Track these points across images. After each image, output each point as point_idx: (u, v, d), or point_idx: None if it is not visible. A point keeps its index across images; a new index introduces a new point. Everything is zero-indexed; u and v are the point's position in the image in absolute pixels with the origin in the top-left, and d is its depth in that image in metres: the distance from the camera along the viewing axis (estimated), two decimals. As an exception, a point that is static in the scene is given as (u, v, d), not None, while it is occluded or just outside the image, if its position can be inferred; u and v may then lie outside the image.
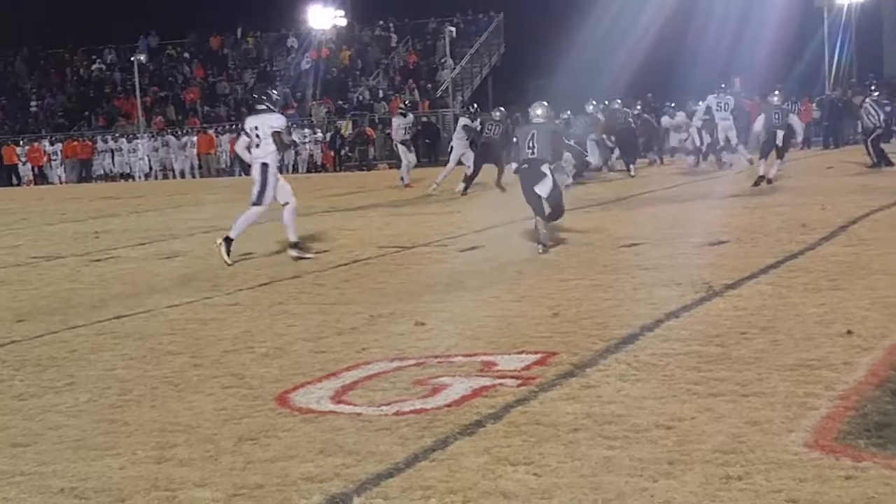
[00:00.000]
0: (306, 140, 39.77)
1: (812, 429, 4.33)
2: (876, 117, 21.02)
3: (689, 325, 6.67)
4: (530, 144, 11.37)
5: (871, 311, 6.66)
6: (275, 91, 11.71)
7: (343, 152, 40.51)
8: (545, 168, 11.23)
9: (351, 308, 8.12)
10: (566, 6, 39.05)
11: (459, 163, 21.54)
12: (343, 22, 48.16)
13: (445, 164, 23.13)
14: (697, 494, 3.75)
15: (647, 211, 14.87)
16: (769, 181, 17.59)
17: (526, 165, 11.34)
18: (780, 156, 18.19)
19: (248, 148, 11.56)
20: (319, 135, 40.91)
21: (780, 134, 17.74)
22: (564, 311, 7.43)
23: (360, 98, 43.80)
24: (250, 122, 11.62)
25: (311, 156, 40.29)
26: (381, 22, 48.13)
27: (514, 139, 11.86)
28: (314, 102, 44.45)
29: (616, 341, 6.29)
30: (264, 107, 11.71)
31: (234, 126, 40.95)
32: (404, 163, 24.86)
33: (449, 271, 9.98)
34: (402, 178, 24.42)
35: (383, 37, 47.75)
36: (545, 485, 3.97)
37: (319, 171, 38.88)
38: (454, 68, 44.04)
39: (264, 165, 11.32)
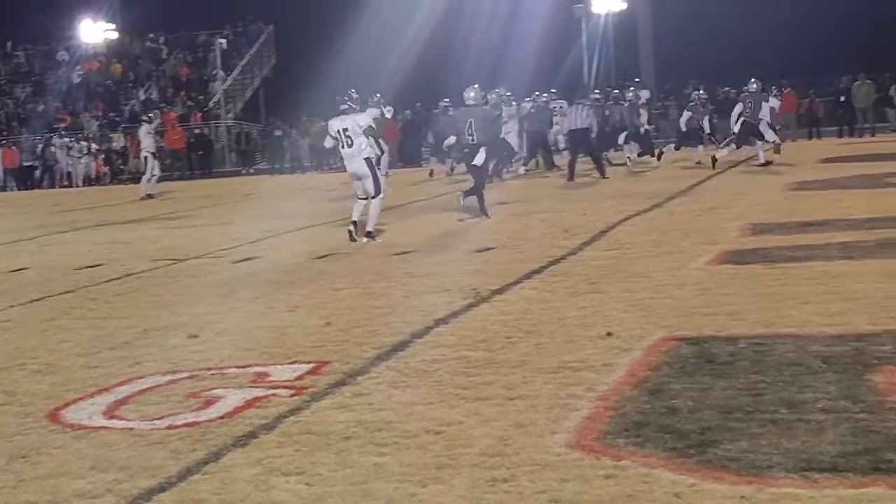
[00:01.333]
0: (82, 154, 38.73)
1: (574, 430, 4.48)
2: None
3: (458, 330, 6.80)
4: (470, 131, 13.38)
5: (630, 312, 6.96)
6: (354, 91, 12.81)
7: (117, 164, 39.70)
8: (482, 150, 13.50)
9: (124, 322, 7.95)
10: (335, 16, 39.21)
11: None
12: (114, 35, 47.57)
13: (219, 175, 22.93)
14: (465, 498, 3.82)
15: (418, 219, 15.06)
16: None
17: (467, 150, 13.59)
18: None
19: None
20: (94, 146, 39.68)
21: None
22: (337, 320, 7.45)
23: (133, 110, 42.74)
24: (336, 125, 12.41)
25: (85, 168, 39.06)
26: (152, 35, 47.58)
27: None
28: (86, 115, 43.24)
29: (387, 349, 6.36)
30: (347, 106, 12.46)
31: (2, 141, 40.10)
32: (149, 175, 24.50)
33: (223, 283, 9.88)
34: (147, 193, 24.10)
35: (154, 49, 47.27)
36: (316, 494, 3.97)
37: (93, 185, 37.81)
38: (226, 80, 43.76)
39: (368, 160, 12.37)
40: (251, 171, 38.37)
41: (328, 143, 12.99)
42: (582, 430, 4.47)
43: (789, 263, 8.41)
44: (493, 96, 22.66)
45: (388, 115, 23.05)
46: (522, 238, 11.63)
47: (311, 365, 6.07)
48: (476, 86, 14.51)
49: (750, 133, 20.35)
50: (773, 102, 22.11)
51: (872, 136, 30.46)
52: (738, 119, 20.44)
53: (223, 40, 43.54)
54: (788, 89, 31.25)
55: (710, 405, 4.67)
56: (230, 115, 42.72)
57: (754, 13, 50.14)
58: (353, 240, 12.14)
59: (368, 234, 12.24)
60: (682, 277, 8.17)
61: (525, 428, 4.56)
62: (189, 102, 43.25)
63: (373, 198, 12.39)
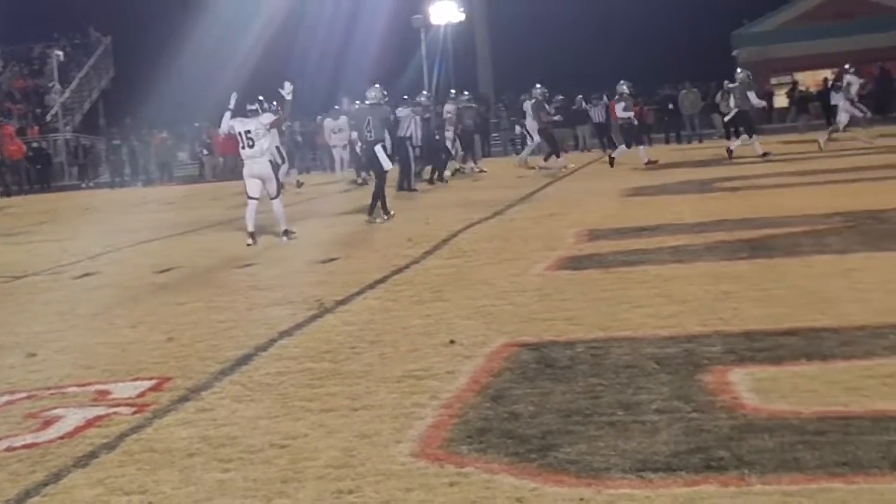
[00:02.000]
0: None
1: (418, 438, 4.53)
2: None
3: (302, 342, 6.78)
4: (368, 128, 14.22)
5: (472, 319, 7.07)
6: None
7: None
8: (378, 148, 14.21)
9: (-44, 343, 7.62)
10: (173, 27, 38.50)
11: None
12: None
13: (58, 189, 22.15)
14: (311, 511, 3.82)
15: (261, 231, 14.88)
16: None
17: (365, 147, 14.45)
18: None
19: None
20: None
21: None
22: (180, 335, 7.33)
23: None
24: (239, 126, 12.87)
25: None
26: (-15, 46, 45.55)
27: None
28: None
29: (231, 363, 6.29)
30: (255, 107, 12.99)
31: None
32: None
33: (62, 299, 9.60)
34: None
35: (-12, 61, 45.26)
36: (158, 515, 3.91)
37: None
38: (63, 92, 42.37)
39: (271, 162, 13.19)
40: (91, 184, 37.24)
41: (223, 127, 13.55)
42: (426, 439, 4.52)
43: (624, 268, 8.69)
44: (423, 98, 22.89)
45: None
46: (366, 248, 11.66)
47: (154, 381, 5.97)
48: (377, 85, 15.44)
49: (747, 121, 21.53)
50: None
51: (700, 142, 31.67)
52: (730, 112, 22.08)
53: (60, 52, 42.18)
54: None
55: (551, 409, 4.79)
56: (68, 127, 41.41)
57: (585, 27, 51.57)
58: (290, 237, 12.90)
59: (286, 233, 12.97)
60: (522, 284, 8.33)
61: (370, 438, 4.59)
62: (26, 115, 41.72)
63: (273, 198, 13.07)
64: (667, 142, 32.60)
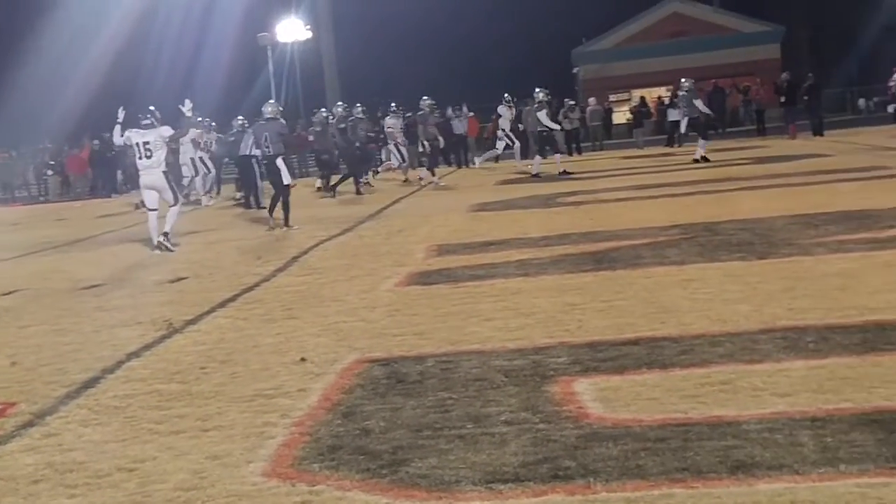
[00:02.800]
0: None
1: (270, 458, 4.51)
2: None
3: (151, 363, 6.66)
4: (266, 144, 14.95)
5: (323, 336, 7.07)
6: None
7: None
8: (279, 161, 14.90)
9: None
10: (12, 45, 37.26)
11: None
12: None
13: None
14: (160, 536, 3.76)
15: (106, 251, 14.53)
16: None
17: (266, 161, 15.12)
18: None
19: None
20: None
21: None
22: (23, 358, 7.12)
23: None
24: (136, 138, 13.28)
25: None
26: None
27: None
28: None
29: (77, 386, 6.14)
30: (150, 122, 13.40)
31: None
32: None
33: None
34: None
35: None
36: (-1, 547, 3.78)
37: None
38: None
39: (165, 173, 13.51)
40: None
41: (116, 140, 14.19)
42: (278, 458, 4.50)
43: (472, 282, 8.82)
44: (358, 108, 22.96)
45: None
46: (216, 266, 11.49)
47: (-6, 408, 5.76)
48: (272, 101, 16.22)
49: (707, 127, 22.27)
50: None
51: (545, 157, 32.33)
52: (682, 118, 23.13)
53: None
54: (472, 114, 32.62)
55: (402, 424, 4.84)
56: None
57: (431, 46, 52.13)
58: (169, 246, 13.28)
59: (165, 235, 13.31)
60: (372, 300, 8.37)
61: (221, 459, 4.54)
62: None
63: (172, 206, 13.59)
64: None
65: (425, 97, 23.65)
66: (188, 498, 4.10)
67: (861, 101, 51.37)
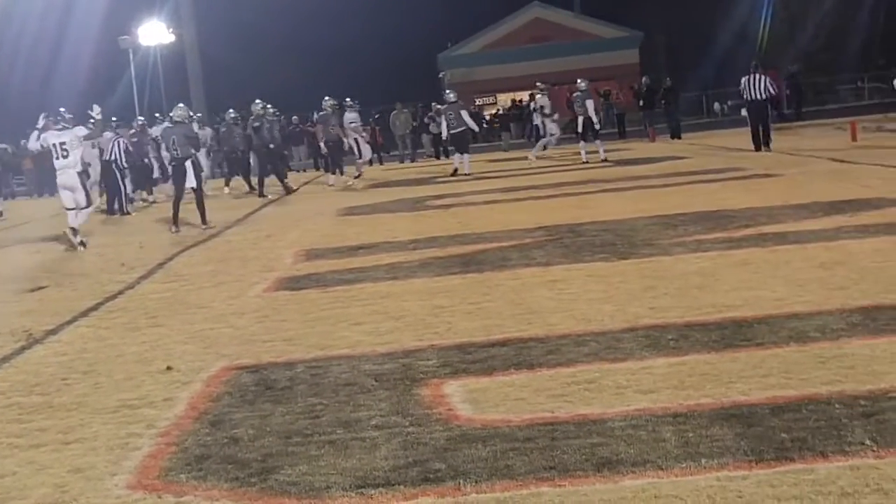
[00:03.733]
0: None
1: (135, 469, 4.41)
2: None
3: (10, 375, 6.45)
4: (174, 147, 15.16)
5: (190, 344, 6.95)
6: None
7: None
8: (188, 164, 15.08)
9: None
10: None
11: None
12: None
13: None
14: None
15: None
16: None
17: (174, 164, 15.35)
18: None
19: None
20: None
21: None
22: None
23: None
24: (52, 139, 13.86)
25: None
26: None
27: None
28: None
29: (-74, 402, 5.87)
30: (62, 125, 14.03)
31: None
32: None
33: None
34: None
35: None
36: None
37: None
38: None
39: (79, 174, 14.17)
40: None
41: (32, 145, 14.91)
42: (143, 469, 4.41)
43: (341, 286, 8.79)
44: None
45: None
46: (77, 274, 11.18)
47: None
48: (181, 105, 16.40)
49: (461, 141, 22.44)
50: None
51: (413, 161, 32.51)
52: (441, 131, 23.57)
53: None
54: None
55: (271, 431, 4.79)
56: None
57: (296, 48, 51.81)
58: (76, 242, 13.74)
59: (72, 230, 13.83)
60: (240, 306, 8.27)
61: (83, 472, 4.43)
62: None
63: (83, 208, 14.16)
64: (380, 162, 33.09)
65: (327, 97, 23.02)
66: (50, 514, 3.99)
67: (716, 105, 53.18)
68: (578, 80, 24.13)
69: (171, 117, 16.60)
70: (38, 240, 15.93)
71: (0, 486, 4.35)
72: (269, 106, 23.11)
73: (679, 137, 29.41)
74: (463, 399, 5.10)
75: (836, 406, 4.50)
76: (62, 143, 13.77)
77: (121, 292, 9.58)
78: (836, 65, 36.91)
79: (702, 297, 7.09)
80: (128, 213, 19.80)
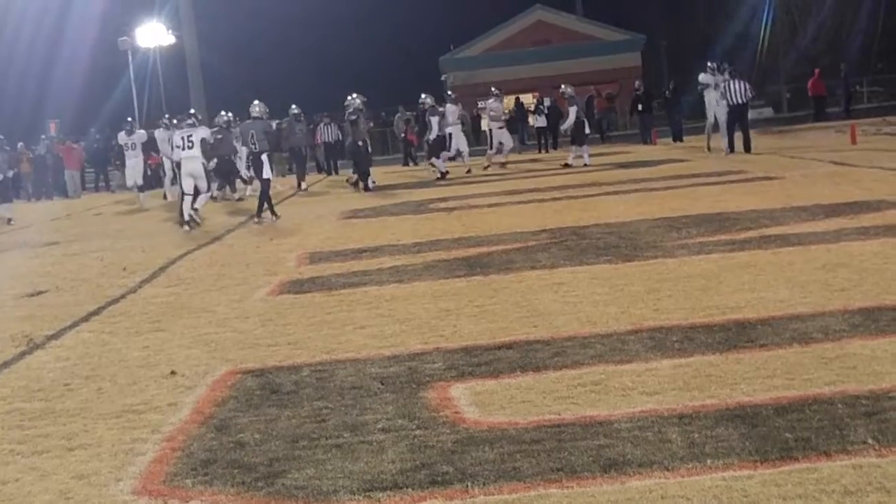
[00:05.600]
0: None
1: (140, 475, 4.40)
2: None
3: (11, 381, 6.42)
4: (253, 141, 16.18)
5: (194, 349, 6.92)
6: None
7: None
8: (264, 157, 16.10)
9: None
10: None
11: None
12: None
13: None
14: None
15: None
16: None
17: (252, 157, 16.56)
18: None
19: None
20: None
21: None
22: None
23: None
24: (180, 134, 16.53)
25: None
26: None
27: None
28: None
29: (-71, 408, 5.85)
30: (193, 121, 16.98)
31: None
32: None
33: None
34: None
35: None
36: None
37: None
38: None
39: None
40: None
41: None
42: (148, 475, 4.39)
43: (346, 290, 8.77)
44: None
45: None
46: (78, 279, 11.15)
47: None
48: (258, 101, 17.01)
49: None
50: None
51: (416, 164, 32.44)
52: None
53: None
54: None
55: (277, 436, 4.77)
56: None
57: (296, 52, 51.78)
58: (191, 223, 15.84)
59: (190, 216, 15.96)
60: (244, 310, 8.24)
61: (87, 479, 4.41)
62: None
63: (203, 194, 16.53)
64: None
65: (355, 95, 22.82)
66: (54, 519, 3.96)
67: (717, 108, 53.16)
68: (563, 86, 24.11)
69: (222, 119, 18.87)
70: (37, 244, 15.91)
71: (3, 493, 4.32)
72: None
73: (681, 140, 29.38)
74: (469, 402, 5.08)
75: (839, 406, 4.52)
76: (189, 136, 16.27)
77: (123, 296, 9.56)
78: (836, 68, 37.07)
79: (705, 298, 7.08)
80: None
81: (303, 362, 6.22)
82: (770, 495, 3.64)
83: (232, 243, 13.49)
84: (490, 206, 15.52)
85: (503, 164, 24.66)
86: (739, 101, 21.65)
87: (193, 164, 16.35)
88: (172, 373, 6.22)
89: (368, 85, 37.70)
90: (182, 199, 16.45)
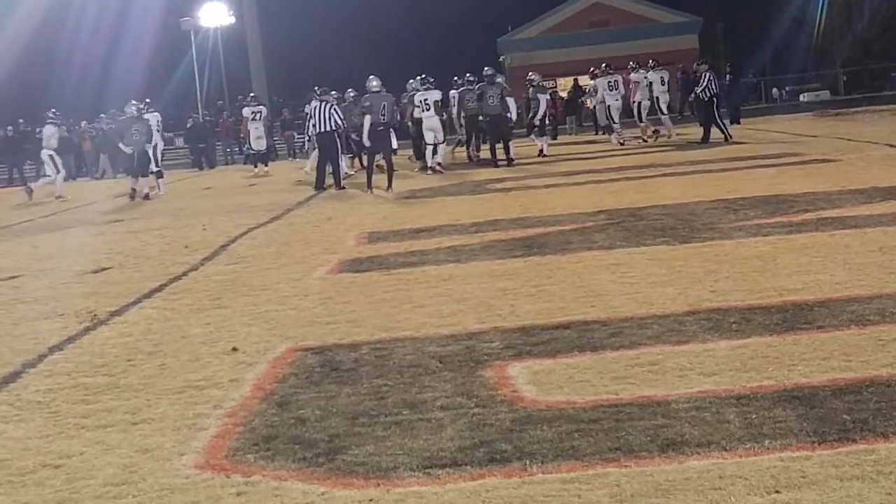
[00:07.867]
0: None
1: (202, 450, 4.45)
2: None
3: (75, 356, 6.53)
4: (382, 113, 17.09)
5: (254, 326, 7.01)
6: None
7: None
8: (390, 132, 17.47)
9: None
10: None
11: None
12: None
13: None
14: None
15: (24, 241, 14.24)
16: None
17: (381, 129, 17.13)
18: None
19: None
20: None
21: None
22: (-63, 355, 6.89)
23: None
24: (419, 97, 20.64)
25: None
26: None
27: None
28: None
29: (-3, 382, 5.99)
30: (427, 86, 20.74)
31: None
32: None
33: None
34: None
35: None
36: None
37: None
38: None
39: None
40: None
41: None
42: (211, 449, 4.45)
43: (404, 269, 8.82)
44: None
45: None
46: (141, 256, 11.33)
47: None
48: (373, 76, 17.74)
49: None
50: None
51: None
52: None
53: None
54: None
55: (337, 412, 4.82)
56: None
57: (356, 33, 51.91)
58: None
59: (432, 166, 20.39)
60: (304, 288, 8.32)
61: (151, 453, 4.48)
62: None
63: (440, 143, 20.79)
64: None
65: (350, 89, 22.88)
66: (118, 493, 4.04)
67: (774, 91, 52.58)
68: (530, 74, 24.01)
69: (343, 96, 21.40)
70: (99, 222, 16.17)
71: (68, 466, 4.41)
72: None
73: (738, 122, 29.11)
74: (527, 381, 5.10)
75: (896, 388, 4.47)
76: (425, 100, 20.19)
77: (185, 274, 9.69)
78: (893, 51, 36.34)
79: (763, 280, 7.03)
80: (343, 188, 19.23)
81: (362, 340, 6.27)
82: (828, 476, 3.62)
83: (291, 222, 13.61)
84: (547, 187, 15.50)
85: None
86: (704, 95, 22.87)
87: (432, 121, 20.13)
88: (234, 349, 6.30)
89: (427, 65, 37.67)
90: (424, 150, 20.62)
